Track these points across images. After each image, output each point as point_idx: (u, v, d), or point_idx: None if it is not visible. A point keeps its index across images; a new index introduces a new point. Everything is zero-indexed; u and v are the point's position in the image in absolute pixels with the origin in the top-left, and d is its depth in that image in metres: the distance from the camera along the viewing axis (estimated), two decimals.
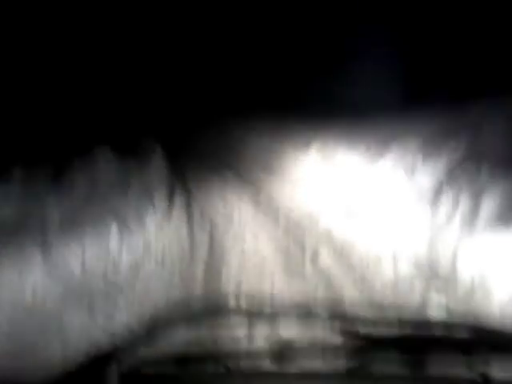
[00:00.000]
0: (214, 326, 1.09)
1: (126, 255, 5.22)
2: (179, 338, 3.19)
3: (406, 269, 4.52)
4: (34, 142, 6.09)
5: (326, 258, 5.11)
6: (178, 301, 4.44)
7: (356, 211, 6.13)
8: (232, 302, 4.28)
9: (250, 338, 3.66)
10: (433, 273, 4.38)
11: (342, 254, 5.31)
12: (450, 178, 5.28)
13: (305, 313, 1.13)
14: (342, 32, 11.43)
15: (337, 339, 3.21)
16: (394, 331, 0.95)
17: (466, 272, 4.06)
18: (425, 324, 1.25)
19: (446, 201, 5.05)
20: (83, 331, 3.72)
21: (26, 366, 3.13)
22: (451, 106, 6.75)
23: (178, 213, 7.12)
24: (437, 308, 3.83)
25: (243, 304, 4.21)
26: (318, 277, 4.71)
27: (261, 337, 3.58)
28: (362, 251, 5.20)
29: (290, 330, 3.58)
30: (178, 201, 7.73)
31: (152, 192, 6.99)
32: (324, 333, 3.41)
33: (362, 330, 0.95)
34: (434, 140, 5.99)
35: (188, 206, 7.52)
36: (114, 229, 5.29)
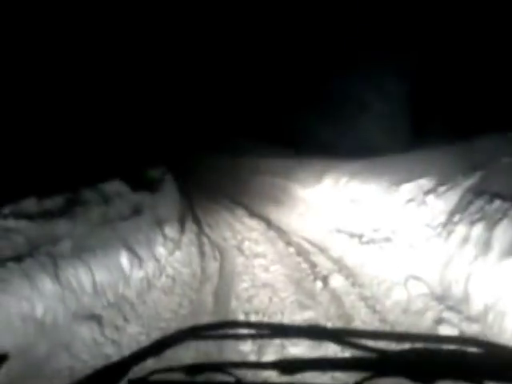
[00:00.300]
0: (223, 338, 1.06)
1: (136, 274, 5.22)
2: (188, 350, 3.16)
3: (418, 290, 4.46)
4: (46, 174, 6.20)
5: (337, 282, 5.04)
6: (186, 321, 4.38)
7: (368, 239, 6.09)
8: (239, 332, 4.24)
9: (259, 351, 3.61)
10: (445, 294, 4.30)
11: (353, 277, 5.24)
12: (463, 211, 5.25)
13: (315, 332, 1.08)
14: (355, 79, 11.74)
15: (346, 353, 3.17)
16: (404, 346, 0.90)
17: (479, 295, 3.99)
18: (436, 339, 1.18)
19: (459, 231, 5.02)
20: (92, 344, 3.68)
21: (37, 379, 3.09)
22: (461, 146, 6.85)
23: (189, 242, 7.13)
24: (449, 328, 3.74)
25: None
26: (330, 299, 4.63)
27: (270, 351, 3.60)
28: (374, 275, 5.14)
29: (299, 346, 3.53)
30: (189, 231, 7.76)
31: (163, 222, 7.03)
32: (333, 348, 3.37)
33: (372, 343, 0.89)
34: (447, 177, 6.02)
35: (198, 236, 7.54)
36: (124, 256, 5.30)
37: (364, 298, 4.73)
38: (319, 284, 5.16)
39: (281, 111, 13.62)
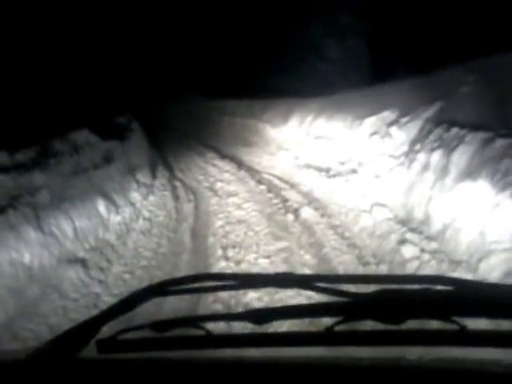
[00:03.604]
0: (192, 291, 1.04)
1: (114, 219, 5.39)
2: (156, 305, 3.27)
3: (383, 216, 4.79)
4: (14, 127, 6.13)
5: (307, 214, 5.34)
6: (166, 259, 4.63)
7: (335, 173, 6.37)
8: (219, 263, 4.50)
9: (230, 303, 3.81)
10: (408, 217, 4.65)
11: (322, 208, 5.54)
12: (424, 140, 5.52)
13: (285, 279, 1.02)
14: (311, 19, 11.61)
15: (316, 299, 3.23)
16: (374, 288, 0.91)
17: (438, 216, 4.34)
18: (406, 279, 1.15)
19: (420, 159, 5.31)
20: (80, 284, 3.91)
21: (34, 317, 3.31)
22: (420, 78, 7.05)
23: (162, 187, 7.28)
24: (411, 247, 4.11)
25: (230, 267, 4.44)
26: (301, 230, 4.93)
27: (242, 300, 3.68)
28: (341, 204, 5.45)
29: (271, 293, 3.71)
30: (161, 176, 7.89)
31: (134, 169, 7.13)
32: (306, 294, 3.50)
33: (343, 287, 0.91)
34: (409, 109, 6.23)
35: (171, 181, 7.69)
36: (100, 203, 5.43)
37: (333, 227, 5.04)
38: (291, 216, 5.44)
39: (240, 63, 13.50)
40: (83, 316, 3.25)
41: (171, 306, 3.46)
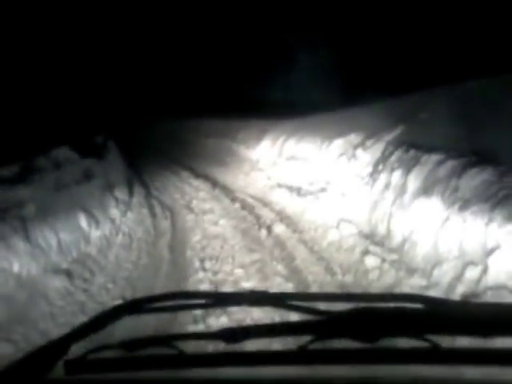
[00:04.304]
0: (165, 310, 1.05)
1: (94, 233, 5.64)
2: (127, 324, 3.51)
3: (349, 231, 5.20)
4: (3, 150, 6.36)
5: (279, 230, 5.72)
6: (146, 270, 4.91)
7: (305, 191, 6.80)
8: (197, 275, 4.79)
9: (202, 321, 3.84)
10: (371, 232, 5.07)
11: (293, 224, 5.93)
12: (386, 161, 6.02)
13: (259, 297, 1.00)
14: (284, 38, 12.20)
15: (293, 317, 3.40)
16: (347, 306, 0.93)
17: (398, 230, 4.79)
18: (379, 297, 1.12)
19: (382, 178, 5.80)
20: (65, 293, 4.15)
21: (23, 323, 3.54)
22: (388, 102, 7.62)
23: (139, 204, 7.54)
24: (373, 258, 4.52)
25: (207, 277, 4.73)
26: (274, 244, 5.29)
27: (215, 318, 3.71)
28: (311, 221, 5.86)
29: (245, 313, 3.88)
30: (138, 193, 8.15)
31: (112, 186, 7.37)
32: (280, 312, 3.29)
33: (316, 305, 0.95)
34: (373, 132, 6.74)
35: (147, 198, 7.95)
36: (82, 217, 5.67)
37: (303, 241, 5.42)
38: (264, 232, 5.80)
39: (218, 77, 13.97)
40: (70, 321, 3.54)
41: (144, 323, 3.49)
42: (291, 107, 9.98)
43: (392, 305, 1.06)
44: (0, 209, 4.57)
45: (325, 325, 1.05)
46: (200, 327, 3.65)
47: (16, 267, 4.09)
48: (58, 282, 4.33)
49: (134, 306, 1.20)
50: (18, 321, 3.60)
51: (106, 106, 13.71)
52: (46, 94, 9.32)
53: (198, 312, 3.80)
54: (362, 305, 1.05)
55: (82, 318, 3.73)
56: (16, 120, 7.54)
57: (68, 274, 4.58)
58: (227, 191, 8.11)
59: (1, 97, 7.77)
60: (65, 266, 4.73)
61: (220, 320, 3.75)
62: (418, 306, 1.07)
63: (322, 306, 1.09)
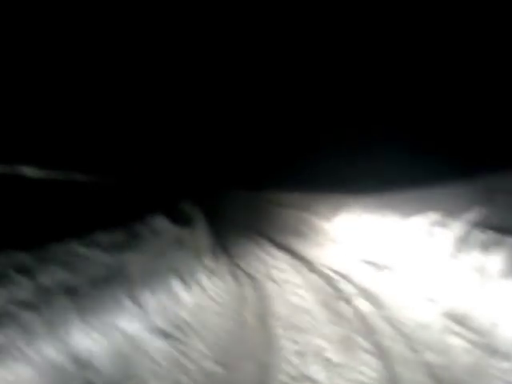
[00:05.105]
0: None
1: (186, 298, 6.14)
2: None
3: (430, 309, 5.30)
4: (109, 217, 7.18)
5: (359, 303, 5.93)
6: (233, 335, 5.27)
7: (384, 266, 6.99)
8: (280, 341, 5.08)
9: None
10: (453, 311, 5.14)
11: (372, 298, 6.11)
12: (464, 240, 6.17)
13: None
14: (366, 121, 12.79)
15: None
16: None
17: (481, 311, 4.84)
18: None
19: (462, 258, 5.92)
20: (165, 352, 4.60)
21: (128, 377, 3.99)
22: (463, 181, 7.83)
23: (224, 271, 8.03)
24: (453, 337, 4.60)
25: (291, 346, 5.00)
26: (355, 317, 5.48)
27: None
28: (390, 295, 6.02)
29: None
30: (222, 262, 8.67)
31: (201, 252, 7.96)
32: None
33: None
34: (451, 211, 6.95)
35: (231, 265, 8.44)
36: (176, 283, 6.22)
37: (384, 317, 5.57)
38: (344, 305, 6.02)
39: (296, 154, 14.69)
40: (174, 380, 3.98)
41: None
42: (368, 183, 10.31)
43: None
44: (109, 271, 5.19)
45: None
46: None
47: (125, 325, 4.61)
48: (158, 342, 4.78)
49: None
50: (127, 376, 4.05)
51: (190, 173, 14.77)
52: (139, 165, 10.37)
53: None
54: None
55: (183, 379, 4.15)
56: (115, 188, 8.45)
57: (166, 335, 5.03)
58: (306, 262, 8.43)
59: (102, 171, 8.79)
60: (163, 327, 5.19)
61: None
62: None
63: None
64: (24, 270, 4.04)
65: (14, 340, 3.39)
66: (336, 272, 7.59)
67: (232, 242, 10.46)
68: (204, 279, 7.11)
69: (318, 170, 12.61)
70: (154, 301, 5.43)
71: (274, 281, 7.46)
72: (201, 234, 8.91)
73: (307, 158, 13.56)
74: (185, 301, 6.08)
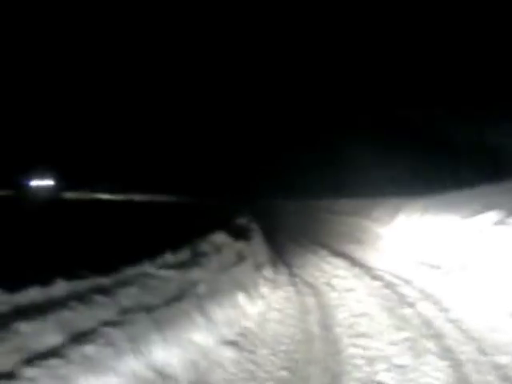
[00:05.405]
0: None
1: (251, 309, 6.35)
2: None
3: (496, 311, 5.23)
4: (174, 237, 7.58)
5: (424, 307, 5.92)
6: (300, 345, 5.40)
7: (446, 269, 6.93)
8: (348, 350, 5.16)
9: None
10: None
11: (437, 303, 6.08)
12: None
13: None
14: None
15: None
16: None
17: None
18: None
19: None
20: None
21: None
22: None
23: (284, 282, 8.20)
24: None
25: (359, 353, 5.08)
26: (420, 321, 5.49)
27: None
28: (455, 298, 5.97)
29: None
30: (282, 273, 8.84)
31: (260, 265, 8.17)
32: None
33: None
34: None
35: (290, 276, 8.59)
36: (240, 295, 6.45)
37: (450, 320, 5.55)
38: (409, 310, 6.03)
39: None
40: None
41: None
42: (425, 186, 10.25)
43: None
44: (181, 288, 5.50)
45: None
46: None
47: (198, 338, 4.87)
48: (229, 352, 5.01)
49: None
50: None
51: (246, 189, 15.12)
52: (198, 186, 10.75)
53: None
54: None
55: None
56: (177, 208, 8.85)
57: (235, 345, 5.26)
58: (366, 269, 8.45)
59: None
60: (232, 338, 5.42)
61: None
62: None
63: None
64: (105, 293, 4.40)
65: (102, 354, 3.70)
66: (398, 277, 7.58)
67: (290, 252, 10.61)
68: (265, 291, 7.31)
69: (374, 177, 12.63)
70: (221, 314, 5.67)
71: (335, 289, 7.53)
72: (259, 247, 9.14)
73: (362, 166, 13.61)
74: (250, 312, 6.30)
